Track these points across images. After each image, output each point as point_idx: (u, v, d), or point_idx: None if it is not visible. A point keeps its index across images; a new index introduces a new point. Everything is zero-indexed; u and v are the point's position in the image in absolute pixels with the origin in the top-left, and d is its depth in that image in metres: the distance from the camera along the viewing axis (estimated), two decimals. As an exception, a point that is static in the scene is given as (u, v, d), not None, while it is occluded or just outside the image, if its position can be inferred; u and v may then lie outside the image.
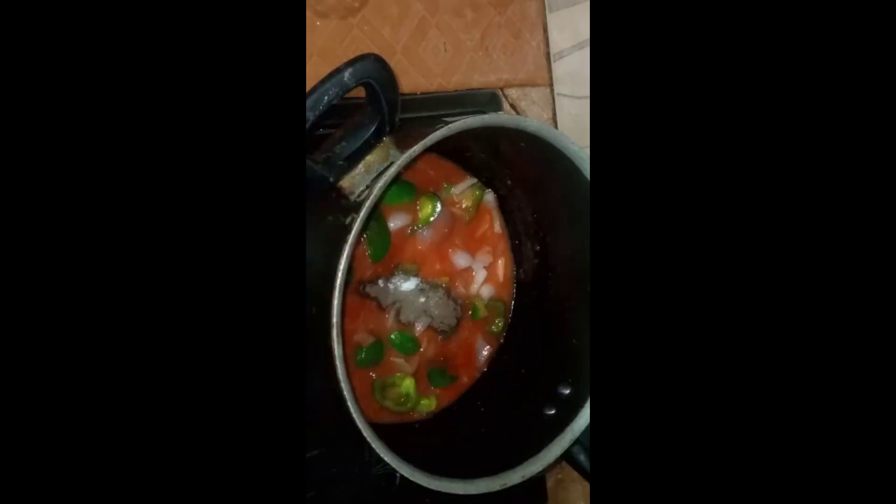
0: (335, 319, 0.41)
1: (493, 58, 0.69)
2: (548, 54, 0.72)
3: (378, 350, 0.56)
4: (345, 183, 0.45)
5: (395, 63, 0.46)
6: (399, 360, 0.58)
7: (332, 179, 0.45)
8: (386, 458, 0.44)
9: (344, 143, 0.46)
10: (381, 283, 0.57)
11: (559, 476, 0.70)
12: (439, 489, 0.46)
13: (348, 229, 0.42)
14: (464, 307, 0.61)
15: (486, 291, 0.63)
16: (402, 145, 0.46)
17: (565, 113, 0.72)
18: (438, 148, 0.58)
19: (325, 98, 0.42)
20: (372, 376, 0.56)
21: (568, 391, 0.54)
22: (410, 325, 0.58)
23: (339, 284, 0.41)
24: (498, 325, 0.63)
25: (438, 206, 0.58)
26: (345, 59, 0.42)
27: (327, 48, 0.60)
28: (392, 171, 0.43)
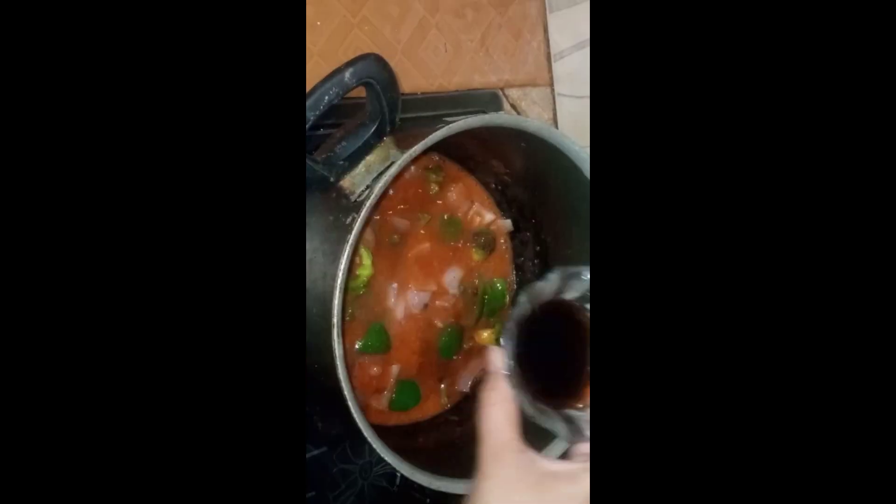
0: (335, 319, 0.41)
1: (494, 58, 0.69)
2: (548, 54, 0.72)
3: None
4: (345, 183, 0.45)
5: (395, 63, 0.46)
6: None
7: (332, 179, 0.45)
8: (386, 458, 0.44)
9: (344, 143, 0.46)
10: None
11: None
12: (440, 489, 0.46)
13: (349, 229, 0.42)
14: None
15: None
16: (403, 145, 0.46)
17: (566, 113, 0.72)
18: (439, 148, 0.58)
19: (326, 98, 0.42)
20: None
21: (568, 391, 0.54)
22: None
23: (340, 284, 0.41)
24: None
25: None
26: (345, 60, 0.42)
27: (328, 48, 0.60)
28: (393, 170, 0.43)
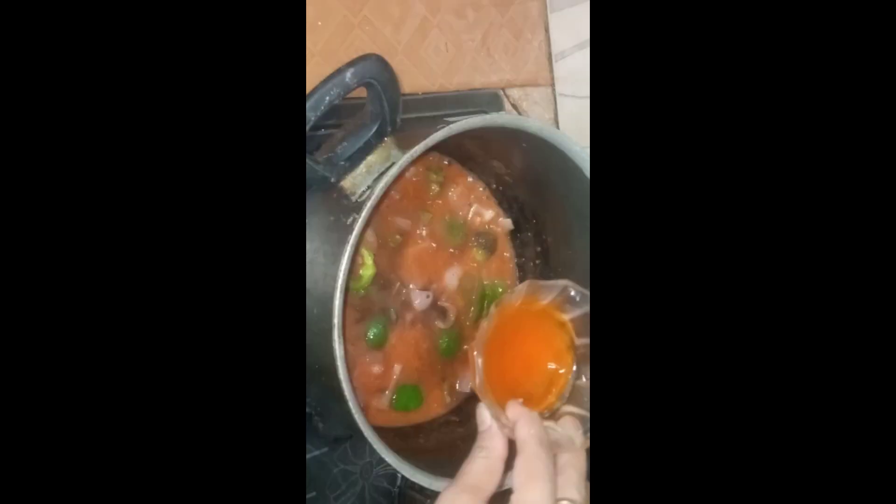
0: (336, 320, 0.41)
1: (495, 58, 0.69)
2: (549, 54, 0.72)
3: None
4: (346, 183, 0.45)
5: (396, 63, 0.46)
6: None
7: (333, 180, 0.45)
8: (387, 459, 0.44)
9: (345, 144, 0.46)
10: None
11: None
12: (440, 490, 0.46)
13: (350, 230, 0.42)
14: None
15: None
16: (404, 145, 0.46)
17: (567, 113, 0.72)
18: (440, 148, 0.58)
19: (327, 98, 0.42)
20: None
21: (568, 392, 0.54)
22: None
23: (341, 285, 0.41)
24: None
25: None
26: (346, 60, 0.42)
27: (329, 48, 0.60)
28: (394, 171, 0.43)
